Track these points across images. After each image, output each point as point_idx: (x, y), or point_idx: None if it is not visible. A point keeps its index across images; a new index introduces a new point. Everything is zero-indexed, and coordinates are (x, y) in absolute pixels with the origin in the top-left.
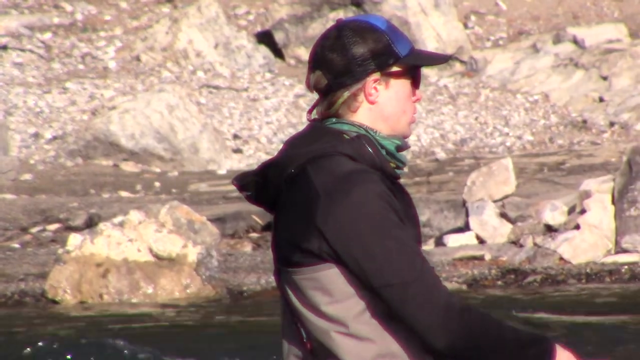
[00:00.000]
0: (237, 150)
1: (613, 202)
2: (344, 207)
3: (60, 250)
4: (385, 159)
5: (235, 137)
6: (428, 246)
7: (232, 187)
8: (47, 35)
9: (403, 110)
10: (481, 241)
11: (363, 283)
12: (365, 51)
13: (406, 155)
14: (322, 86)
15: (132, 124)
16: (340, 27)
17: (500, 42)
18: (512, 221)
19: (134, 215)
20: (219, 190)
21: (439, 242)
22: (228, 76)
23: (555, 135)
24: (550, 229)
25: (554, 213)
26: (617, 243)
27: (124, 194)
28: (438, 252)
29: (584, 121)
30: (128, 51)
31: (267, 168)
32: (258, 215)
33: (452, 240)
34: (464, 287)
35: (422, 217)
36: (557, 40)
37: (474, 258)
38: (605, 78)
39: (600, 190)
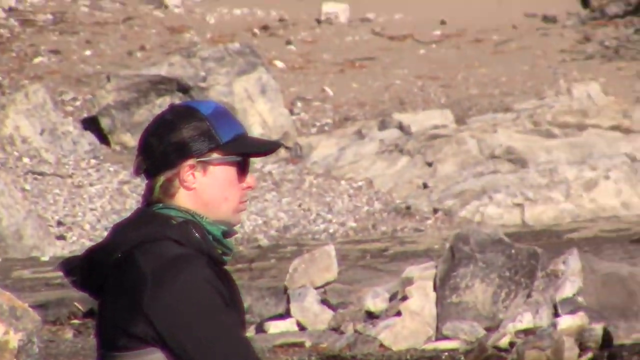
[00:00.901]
0: (61, 237)
1: (435, 289)
2: (171, 292)
3: None
4: (211, 244)
5: (59, 223)
6: (249, 333)
7: (55, 274)
8: None
9: (224, 197)
10: (302, 328)
11: None
12: (182, 137)
13: (232, 241)
14: (142, 171)
15: None
16: (165, 112)
17: (326, 128)
18: (333, 308)
19: None
20: (41, 277)
21: (260, 329)
22: (53, 162)
23: (378, 221)
24: (371, 316)
25: (375, 300)
26: (438, 329)
27: None
28: (259, 339)
29: (408, 207)
30: None
31: (93, 253)
32: (80, 302)
33: (273, 327)
34: None
35: (244, 304)
36: (383, 126)
37: (295, 345)
38: (430, 164)
39: (422, 277)
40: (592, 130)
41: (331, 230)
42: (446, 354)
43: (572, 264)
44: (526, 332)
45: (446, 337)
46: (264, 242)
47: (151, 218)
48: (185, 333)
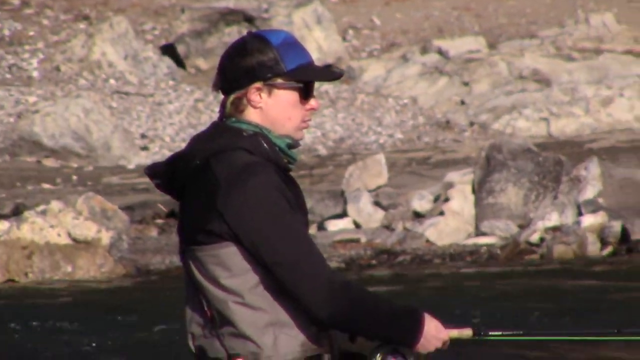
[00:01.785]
0: (144, 148)
1: (473, 192)
2: (242, 194)
3: None
4: (278, 154)
5: (143, 136)
6: (311, 231)
7: (140, 180)
8: None
9: (288, 117)
10: (357, 226)
11: (257, 261)
12: (252, 63)
13: (296, 152)
14: (218, 88)
15: (52, 126)
16: (242, 39)
17: (375, 53)
18: (384, 208)
19: (55, 205)
20: (128, 183)
21: (321, 227)
22: (136, 83)
23: (422, 133)
24: (418, 215)
25: (421, 201)
26: (476, 227)
27: (45, 186)
28: (320, 236)
29: (447, 121)
30: (49, 62)
31: (175, 160)
32: (163, 204)
33: (332, 225)
34: (343, 265)
35: (307, 206)
36: (424, 51)
37: (352, 241)
38: (466, 84)
39: (461, 182)
40: (607, 54)
41: (381, 141)
42: (484, 248)
43: (592, 170)
44: (554, 229)
45: (484, 234)
46: (323, 151)
47: (225, 130)
48: (254, 230)
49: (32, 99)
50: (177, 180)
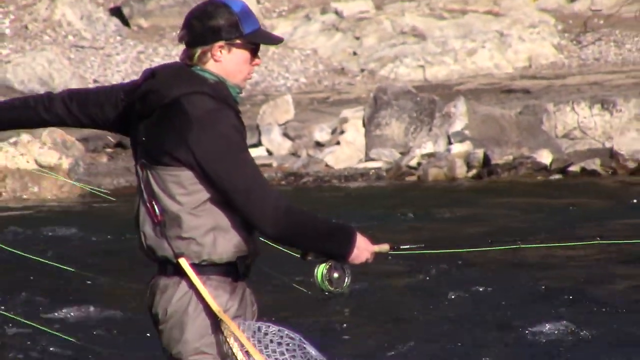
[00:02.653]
0: None
1: (363, 125)
2: (210, 135)
3: None
4: (233, 99)
5: (95, 81)
6: None
7: None
8: None
9: (240, 70)
10: (270, 153)
11: (216, 186)
12: (217, 24)
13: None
14: (184, 42)
15: (22, 74)
16: (206, 4)
17: (283, 14)
18: (291, 139)
19: (24, 137)
20: None
21: None
22: (90, 39)
23: (322, 78)
24: (319, 145)
25: (321, 133)
26: (366, 154)
27: None
28: None
29: (342, 69)
30: (19, 22)
31: (148, 92)
32: (112, 137)
33: None
34: None
35: None
36: (323, 12)
37: (265, 165)
38: (357, 38)
39: (354, 117)
40: (471, 14)
41: (288, 85)
42: (373, 171)
43: (459, 108)
44: (429, 155)
45: (372, 159)
46: (241, 93)
47: (192, 76)
48: (219, 163)
49: (5, 52)
50: (144, 106)
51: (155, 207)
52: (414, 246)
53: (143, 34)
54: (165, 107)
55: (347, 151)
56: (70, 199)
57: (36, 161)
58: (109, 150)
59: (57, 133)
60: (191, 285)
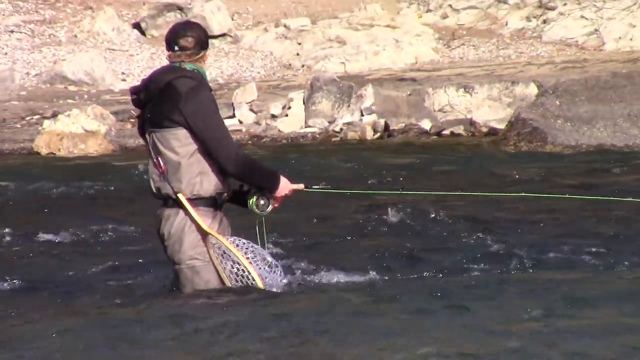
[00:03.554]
0: (124, 80)
1: (304, 103)
2: (195, 101)
3: (40, 128)
4: (207, 80)
5: (123, 73)
6: None
7: (122, 98)
8: None
9: (207, 63)
10: (240, 122)
11: (198, 137)
12: (204, 38)
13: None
14: (189, 47)
15: (73, 68)
16: (188, 23)
17: (249, 27)
18: (255, 113)
19: (75, 111)
20: (115, 99)
21: None
22: (118, 44)
23: (275, 71)
24: (274, 116)
25: (275, 108)
26: (306, 122)
27: (69, 101)
28: None
29: (290, 65)
30: (70, 32)
31: (147, 83)
32: (135, 110)
33: (226, 122)
34: None
35: None
36: (277, 26)
37: (237, 130)
38: (299, 44)
39: (298, 98)
40: (377, 27)
41: (253, 76)
42: (310, 134)
43: (369, 91)
44: (347, 124)
45: (310, 127)
46: (221, 81)
47: (176, 68)
48: (201, 121)
49: (61, 53)
50: (147, 94)
51: (160, 160)
52: (322, 187)
53: (155, 41)
54: (161, 90)
55: (293, 120)
56: (107, 154)
57: (83, 127)
58: (132, 120)
59: (97, 108)
60: (186, 213)
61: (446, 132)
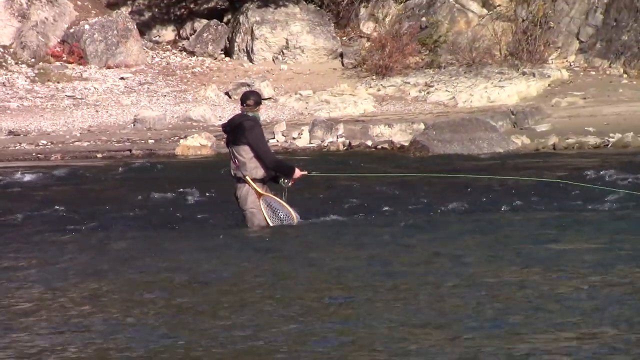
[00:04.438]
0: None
1: None
2: (253, 132)
3: (178, 143)
4: (259, 121)
5: (219, 117)
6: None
7: (219, 131)
8: None
9: (260, 112)
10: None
11: (253, 150)
12: (257, 100)
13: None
14: (249, 103)
15: (197, 111)
16: (251, 92)
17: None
18: (284, 136)
19: (195, 135)
20: (218, 130)
21: None
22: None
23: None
24: (294, 139)
25: (294, 135)
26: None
27: (190, 131)
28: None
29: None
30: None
31: (230, 122)
32: (223, 135)
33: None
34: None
35: None
36: None
37: (272, 145)
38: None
39: None
40: (347, 95)
41: (283, 118)
42: (312, 147)
43: (341, 126)
44: (330, 142)
45: (312, 143)
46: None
47: (244, 115)
48: (255, 142)
49: (189, 106)
50: (230, 127)
51: (236, 159)
52: (318, 173)
53: (235, 101)
54: (236, 125)
55: (303, 140)
56: (211, 157)
57: (199, 143)
58: (222, 139)
59: (206, 133)
60: (249, 186)
61: (379, 147)
